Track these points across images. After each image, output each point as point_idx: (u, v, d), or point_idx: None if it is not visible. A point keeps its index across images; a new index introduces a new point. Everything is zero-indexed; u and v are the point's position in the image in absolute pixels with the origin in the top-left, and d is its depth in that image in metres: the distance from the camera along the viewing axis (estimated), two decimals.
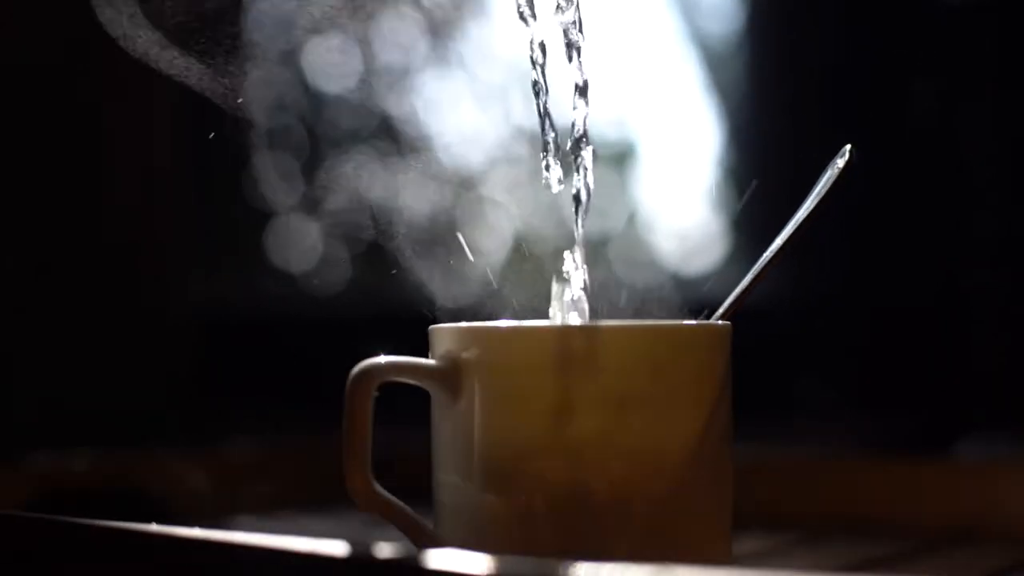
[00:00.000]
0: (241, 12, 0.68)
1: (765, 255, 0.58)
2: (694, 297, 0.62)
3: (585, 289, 0.58)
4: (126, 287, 1.19)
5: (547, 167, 0.59)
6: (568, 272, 0.58)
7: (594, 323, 0.57)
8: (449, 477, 0.55)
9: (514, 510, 0.53)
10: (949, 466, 0.76)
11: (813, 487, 0.76)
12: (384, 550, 0.44)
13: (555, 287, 0.58)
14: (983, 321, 1.06)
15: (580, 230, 0.58)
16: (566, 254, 0.58)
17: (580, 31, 0.59)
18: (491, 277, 0.64)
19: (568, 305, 0.58)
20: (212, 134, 0.67)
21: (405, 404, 0.58)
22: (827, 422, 1.04)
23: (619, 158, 1.29)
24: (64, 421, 1.11)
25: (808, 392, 1.09)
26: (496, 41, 1.04)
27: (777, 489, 0.76)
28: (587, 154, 0.59)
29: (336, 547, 0.45)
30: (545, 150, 0.59)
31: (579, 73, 0.59)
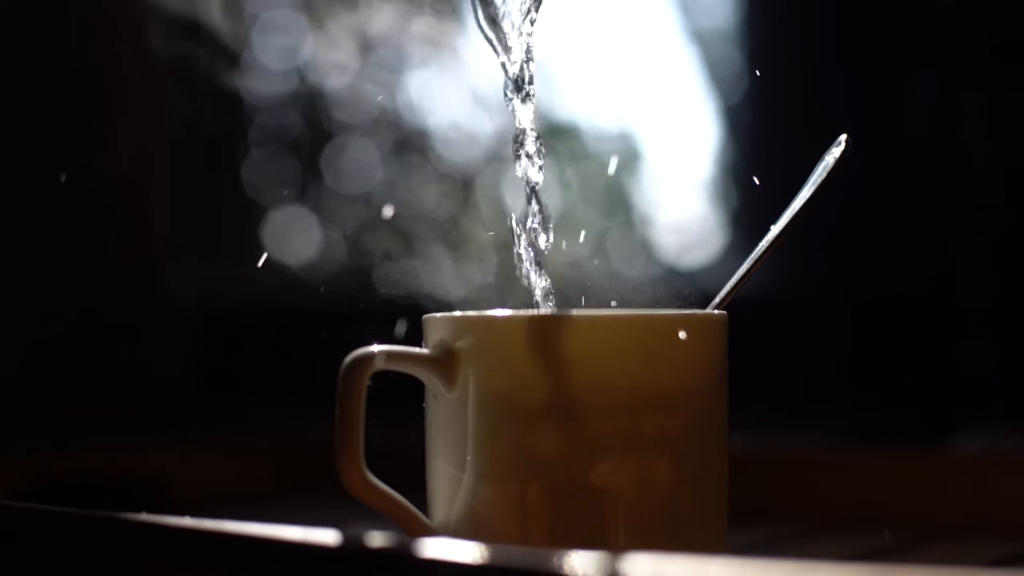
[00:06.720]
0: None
1: (761, 245, 0.58)
2: (690, 288, 0.61)
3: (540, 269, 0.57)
4: (121, 279, 1.19)
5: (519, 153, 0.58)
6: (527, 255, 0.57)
7: (589, 312, 0.56)
8: (442, 466, 0.55)
9: (508, 499, 0.53)
10: (946, 459, 0.76)
11: (810, 479, 0.76)
12: (377, 539, 0.44)
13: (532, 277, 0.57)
14: (980, 314, 1.06)
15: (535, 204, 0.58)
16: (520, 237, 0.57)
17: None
18: (485, 267, 0.64)
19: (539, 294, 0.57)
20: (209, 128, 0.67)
21: (398, 393, 0.58)
22: (824, 415, 1.04)
23: (617, 152, 1.29)
24: (59, 414, 1.11)
25: (805, 384, 1.09)
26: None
27: (773, 481, 0.76)
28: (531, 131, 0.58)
29: (329, 536, 0.45)
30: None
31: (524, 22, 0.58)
